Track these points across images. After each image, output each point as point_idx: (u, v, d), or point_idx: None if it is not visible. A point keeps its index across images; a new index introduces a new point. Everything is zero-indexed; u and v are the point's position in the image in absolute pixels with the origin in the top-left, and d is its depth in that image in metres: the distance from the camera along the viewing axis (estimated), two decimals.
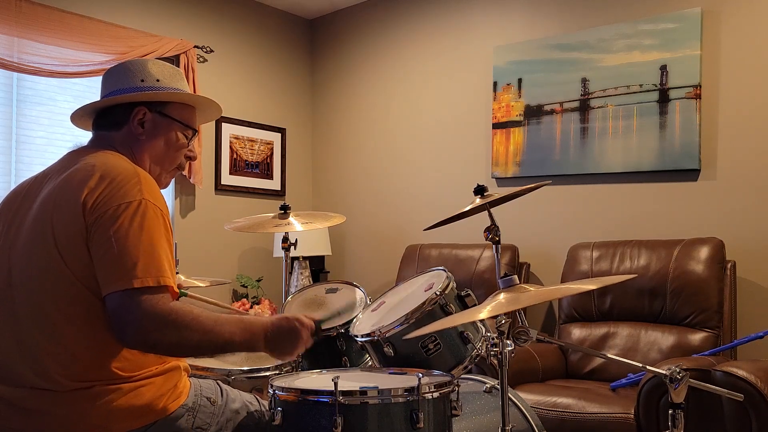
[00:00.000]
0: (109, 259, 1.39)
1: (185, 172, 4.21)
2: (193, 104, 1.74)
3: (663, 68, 3.44)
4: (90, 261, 1.42)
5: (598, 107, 3.65)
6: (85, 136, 1.72)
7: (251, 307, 4.37)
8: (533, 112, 3.89)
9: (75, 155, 1.59)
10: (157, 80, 1.66)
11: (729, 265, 3.11)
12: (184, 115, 1.70)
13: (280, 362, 2.02)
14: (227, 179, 4.59)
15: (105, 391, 1.43)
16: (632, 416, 2.58)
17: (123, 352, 1.46)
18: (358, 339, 1.91)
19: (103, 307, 1.43)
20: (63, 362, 1.42)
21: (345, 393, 1.46)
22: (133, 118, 1.63)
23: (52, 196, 1.48)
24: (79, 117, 1.71)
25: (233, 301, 4.49)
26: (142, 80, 1.65)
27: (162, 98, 1.66)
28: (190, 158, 1.75)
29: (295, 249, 2.86)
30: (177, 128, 1.68)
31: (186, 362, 1.63)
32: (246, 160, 4.70)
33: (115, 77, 1.67)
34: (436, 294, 1.81)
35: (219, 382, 1.72)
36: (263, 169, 4.81)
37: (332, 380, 1.47)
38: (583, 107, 3.70)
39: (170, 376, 1.54)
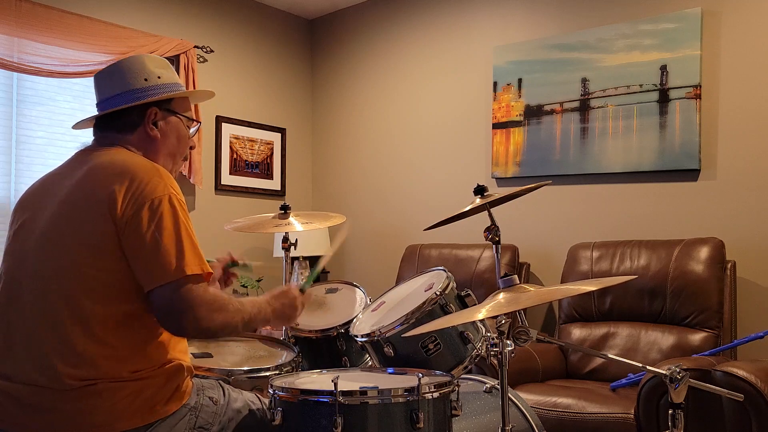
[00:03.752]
0: (153, 254, 1.44)
1: (185, 172, 4.21)
2: (191, 96, 1.80)
3: (663, 68, 3.44)
4: (115, 259, 1.45)
5: (598, 107, 3.65)
6: (85, 137, 1.73)
7: None
8: (533, 112, 3.89)
9: (85, 155, 1.61)
10: (158, 77, 1.69)
11: (729, 265, 3.11)
12: (185, 107, 1.76)
13: (279, 362, 2.02)
14: (227, 179, 4.59)
15: (109, 389, 1.44)
16: (632, 416, 2.58)
17: (127, 351, 1.47)
18: (358, 339, 1.91)
19: (107, 307, 1.44)
20: (69, 360, 1.43)
21: (345, 393, 1.46)
22: (147, 119, 1.66)
23: (69, 199, 1.51)
24: (84, 122, 1.73)
25: None
26: (146, 79, 1.67)
27: (172, 96, 1.70)
28: (192, 147, 1.82)
29: (295, 249, 2.85)
30: (184, 122, 1.74)
31: (189, 362, 1.64)
32: (246, 160, 4.70)
33: (115, 78, 1.67)
34: (436, 294, 1.81)
35: (221, 382, 1.72)
36: (263, 169, 4.81)
37: (332, 380, 1.47)
38: (583, 107, 3.70)
39: (174, 375, 1.55)
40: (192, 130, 1.77)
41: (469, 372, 2.01)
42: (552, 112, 3.82)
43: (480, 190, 1.96)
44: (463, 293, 1.89)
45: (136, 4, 4.16)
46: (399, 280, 3.97)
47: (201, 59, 4.42)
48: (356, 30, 4.88)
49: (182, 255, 1.45)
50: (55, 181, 1.59)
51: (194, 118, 1.79)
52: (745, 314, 3.19)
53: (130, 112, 1.65)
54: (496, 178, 4.07)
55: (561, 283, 3.53)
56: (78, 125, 1.75)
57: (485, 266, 3.71)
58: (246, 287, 4.54)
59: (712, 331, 3.01)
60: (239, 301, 1.57)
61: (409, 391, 1.49)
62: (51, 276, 1.46)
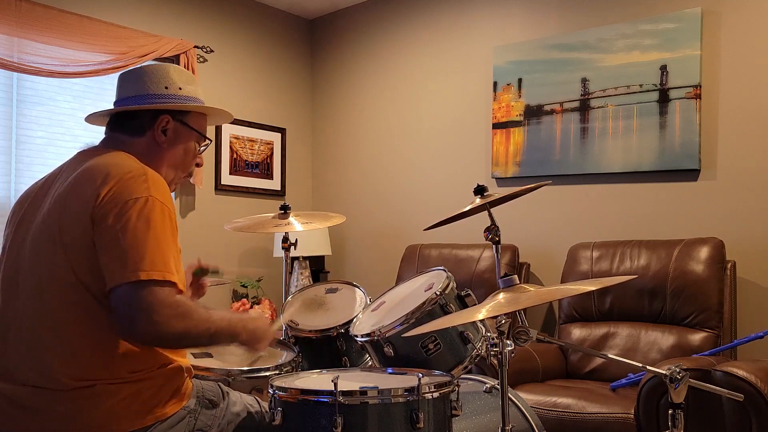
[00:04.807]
0: (115, 253, 1.40)
1: None
2: (209, 113, 1.78)
3: (663, 68, 3.44)
4: (94, 260, 1.42)
5: (598, 107, 3.65)
6: (85, 137, 1.73)
7: (251, 307, 4.37)
8: (533, 112, 3.89)
9: (84, 156, 1.60)
10: (180, 88, 1.69)
11: (729, 265, 3.11)
12: (201, 124, 1.75)
13: (279, 362, 2.02)
14: (227, 179, 4.59)
15: (107, 391, 1.43)
16: (632, 416, 2.58)
17: (125, 352, 1.47)
18: (358, 339, 1.91)
19: (104, 308, 1.43)
20: (66, 361, 1.43)
21: (345, 393, 1.46)
22: (157, 125, 1.65)
23: (61, 198, 1.50)
24: (95, 115, 1.73)
25: (233, 301, 4.49)
26: (166, 87, 1.67)
27: (188, 109, 1.69)
28: (199, 165, 1.80)
29: (295, 249, 2.86)
30: (195, 138, 1.73)
31: (189, 363, 1.63)
32: (246, 160, 4.70)
33: (137, 81, 1.67)
34: (436, 294, 1.81)
35: (220, 384, 1.72)
36: (263, 169, 4.81)
37: (332, 380, 1.47)
38: (583, 107, 3.70)
39: (173, 377, 1.54)
40: (202, 147, 1.76)
41: (469, 372, 2.01)
42: (552, 112, 3.82)
43: (480, 190, 1.97)
44: (463, 293, 1.89)
45: (136, 4, 4.16)
46: (399, 280, 3.97)
47: (201, 59, 4.42)
48: (356, 30, 4.88)
49: (144, 257, 1.38)
50: (52, 181, 1.59)
51: (207, 136, 1.77)
52: (745, 314, 3.19)
53: (142, 116, 1.65)
54: (496, 178, 4.07)
55: (561, 283, 3.53)
56: (91, 118, 1.74)
57: (485, 266, 3.71)
58: (246, 287, 4.54)
59: (712, 331, 3.01)
60: (207, 312, 1.47)
61: (409, 391, 1.49)
62: (46, 277, 1.46)
